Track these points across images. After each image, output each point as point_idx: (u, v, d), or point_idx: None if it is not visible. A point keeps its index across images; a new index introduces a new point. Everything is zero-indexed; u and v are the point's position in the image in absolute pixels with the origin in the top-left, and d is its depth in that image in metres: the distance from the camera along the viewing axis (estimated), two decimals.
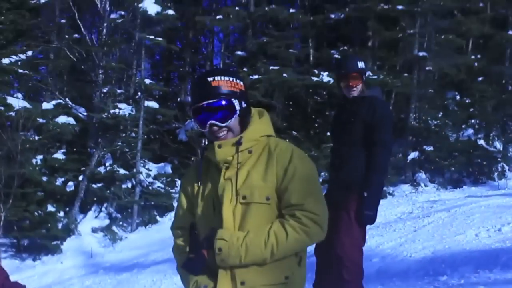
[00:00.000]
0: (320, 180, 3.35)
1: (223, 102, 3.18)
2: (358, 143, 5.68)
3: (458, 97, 20.61)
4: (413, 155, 19.06)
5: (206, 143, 3.37)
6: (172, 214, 14.09)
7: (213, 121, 3.20)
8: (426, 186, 18.30)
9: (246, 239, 3.12)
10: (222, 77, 3.20)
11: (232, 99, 3.20)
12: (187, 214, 3.46)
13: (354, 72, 5.76)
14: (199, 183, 3.37)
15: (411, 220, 11.64)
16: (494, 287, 6.53)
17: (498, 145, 19.29)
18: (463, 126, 19.73)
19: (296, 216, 3.12)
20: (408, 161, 19.07)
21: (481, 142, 18.96)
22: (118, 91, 21.31)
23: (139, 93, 20.96)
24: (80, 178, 19.56)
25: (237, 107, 3.21)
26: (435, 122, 19.58)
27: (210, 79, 3.19)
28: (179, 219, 3.51)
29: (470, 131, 19.41)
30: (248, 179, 3.21)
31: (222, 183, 3.23)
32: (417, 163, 19.16)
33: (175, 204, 19.22)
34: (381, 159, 5.56)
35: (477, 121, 19.81)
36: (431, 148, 18.97)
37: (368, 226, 5.85)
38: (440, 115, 19.76)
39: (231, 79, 3.21)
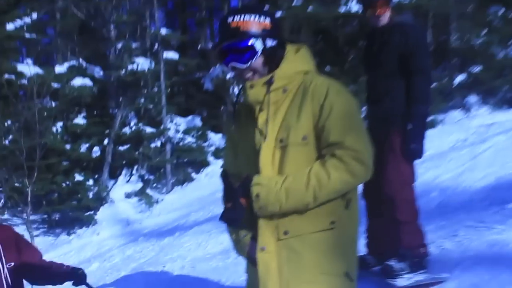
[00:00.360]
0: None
1: (243, 43, 3.21)
2: (394, 74, 5.64)
3: (502, 11, 20.15)
4: (460, 78, 18.75)
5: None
6: (208, 169, 14.27)
7: (233, 63, 3.26)
8: (479, 109, 18.04)
9: (286, 183, 3.13)
10: (242, 16, 3.21)
11: (252, 39, 3.20)
12: (234, 160, 3.52)
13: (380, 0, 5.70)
14: (237, 128, 3.44)
15: (467, 147, 11.48)
16: None
17: None
18: (511, 41, 19.36)
19: (336, 155, 3.10)
20: (455, 85, 18.80)
21: None
22: (134, 45, 21.17)
23: (156, 45, 20.86)
24: (105, 141, 19.65)
25: (259, 47, 3.22)
26: (480, 41, 19.22)
27: (229, 19, 3.22)
28: (227, 166, 3.57)
29: None
30: (284, 120, 3.22)
31: (258, 127, 3.27)
32: (466, 86, 18.88)
33: (209, 158, 19.38)
34: (422, 88, 5.54)
35: None
36: (479, 68, 18.66)
37: (420, 159, 5.83)
38: (484, 33, 19.39)
39: (252, 17, 3.21)
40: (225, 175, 3.32)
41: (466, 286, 5.31)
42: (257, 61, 3.25)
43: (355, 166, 3.10)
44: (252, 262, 3.35)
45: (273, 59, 3.28)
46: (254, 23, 3.20)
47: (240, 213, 3.21)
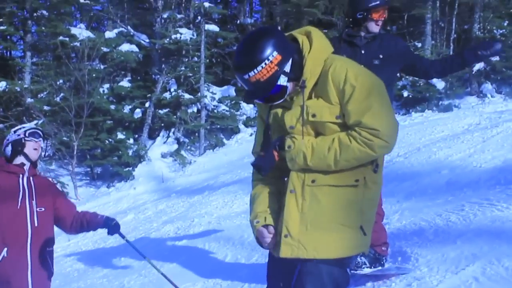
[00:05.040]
0: None
1: (273, 90, 3.22)
2: (394, 71, 5.63)
3: None
4: (478, 66, 18.55)
5: None
6: (238, 136, 14.43)
7: (276, 103, 3.31)
8: (493, 97, 17.91)
9: (313, 141, 3.20)
10: (255, 70, 3.13)
11: (277, 82, 3.19)
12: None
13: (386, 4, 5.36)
14: (269, 109, 3.42)
15: (479, 131, 11.40)
16: None
17: None
18: None
19: (356, 130, 3.12)
20: (473, 73, 18.65)
21: None
22: (178, 16, 21.21)
23: (199, 17, 20.92)
24: (147, 104, 19.79)
25: (285, 80, 3.22)
26: (501, 31, 18.97)
27: (245, 76, 3.17)
28: (257, 145, 3.56)
29: None
30: (316, 103, 3.22)
31: (293, 110, 3.28)
32: (483, 74, 18.73)
33: (240, 126, 19.45)
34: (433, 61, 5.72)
35: None
36: (497, 58, 18.44)
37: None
38: (505, 24, 19.13)
39: (264, 64, 3.13)
40: (267, 128, 3.39)
41: (466, 256, 5.32)
42: (290, 86, 3.25)
43: (373, 140, 3.11)
44: (259, 244, 3.44)
45: (297, 72, 3.27)
46: (268, 68, 3.14)
47: (270, 162, 3.32)
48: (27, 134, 5.07)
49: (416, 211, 7.19)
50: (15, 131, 5.17)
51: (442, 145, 10.73)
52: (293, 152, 3.22)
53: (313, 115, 3.20)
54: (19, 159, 5.08)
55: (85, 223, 5.36)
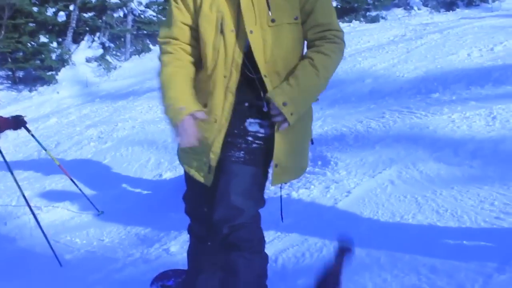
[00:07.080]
0: None
1: None
2: None
3: None
4: None
5: None
6: None
7: None
8: (419, 10, 18.15)
9: (300, 85, 2.99)
10: None
11: None
12: (182, 26, 3.11)
13: None
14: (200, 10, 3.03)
15: (404, 42, 11.57)
16: (485, 101, 6.60)
17: None
18: None
19: (327, 37, 3.02)
20: None
21: None
22: None
23: None
24: (71, 7, 19.13)
25: None
26: None
27: None
28: (171, 29, 3.13)
29: None
30: (273, 2, 2.97)
31: (244, 7, 2.95)
32: None
33: None
34: None
35: None
36: None
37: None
38: None
39: None
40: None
41: (384, 160, 5.49)
42: None
43: (342, 44, 3.07)
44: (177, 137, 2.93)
45: None
46: None
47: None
48: None
49: (339, 118, 7.35)
50: None
51: (367, 55, 10.86)
52: (292, 107, 2.96)
53: (272, 20, 2.96)
54: None
55: None
